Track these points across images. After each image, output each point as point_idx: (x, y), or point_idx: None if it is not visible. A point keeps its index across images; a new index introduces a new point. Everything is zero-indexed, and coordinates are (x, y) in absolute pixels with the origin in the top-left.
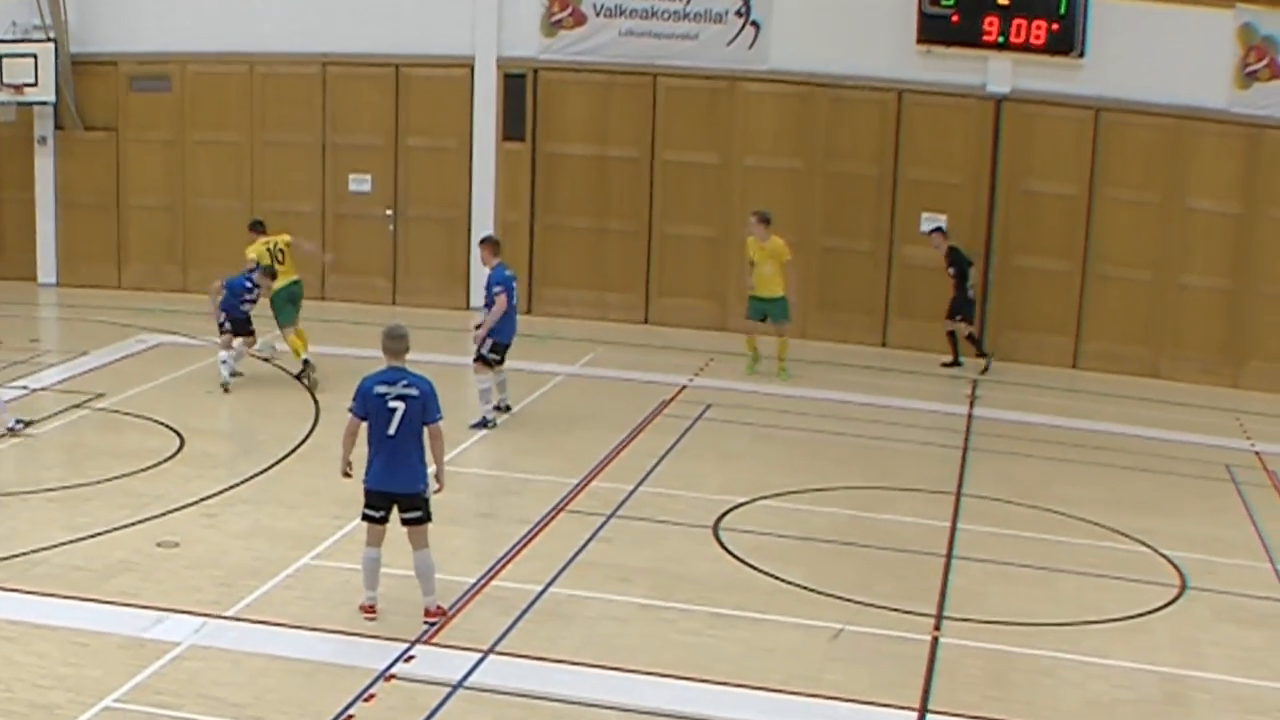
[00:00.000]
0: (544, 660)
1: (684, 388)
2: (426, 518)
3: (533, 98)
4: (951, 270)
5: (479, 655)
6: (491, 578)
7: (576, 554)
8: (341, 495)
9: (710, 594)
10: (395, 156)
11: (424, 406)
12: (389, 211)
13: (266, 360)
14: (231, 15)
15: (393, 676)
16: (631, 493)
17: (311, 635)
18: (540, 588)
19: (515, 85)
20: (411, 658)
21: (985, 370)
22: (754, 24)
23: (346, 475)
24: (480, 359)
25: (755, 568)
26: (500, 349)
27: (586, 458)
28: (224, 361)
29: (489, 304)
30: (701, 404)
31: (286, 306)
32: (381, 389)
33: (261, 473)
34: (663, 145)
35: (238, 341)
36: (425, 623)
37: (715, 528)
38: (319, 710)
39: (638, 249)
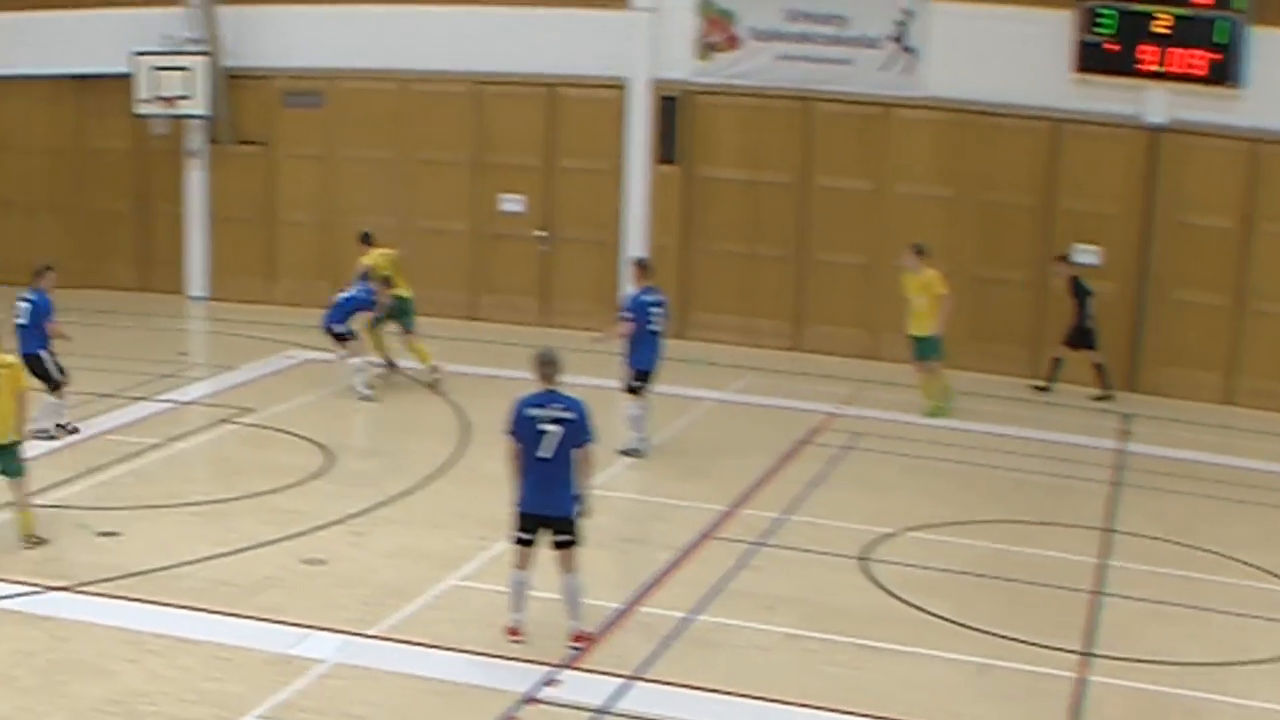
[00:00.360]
0: (689, 688)
1: (833, 416)
2: (576, 541)
3: (686, 121)
4: (1075, 299)
5: (623, 681)
6: (638, 603)
7: (723, 582)
8: (488, 517)
9: (856, 625)
10: (548, 177)
11: (577, 430)
12: (542, 233)
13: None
14: (384, 33)
15: (536, 700)
16: (779, 521)
17: (455, 656)
18: (686, 614)
19: (668, 108)
20: (556, 682)
21: (1102, 398)
22: (909, 50)
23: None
24: (628, 387)
25: (901, 599)
26: (642, 376)
27: (735, 485)
28: (358, 371)
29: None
30: (851, 433)
31: (405, 318)
32: (534, 412)
33: (409, 492)
34: (816, 170)
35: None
36: (571, 647)
37: (862, 558)
38: None
39: (788, 275)
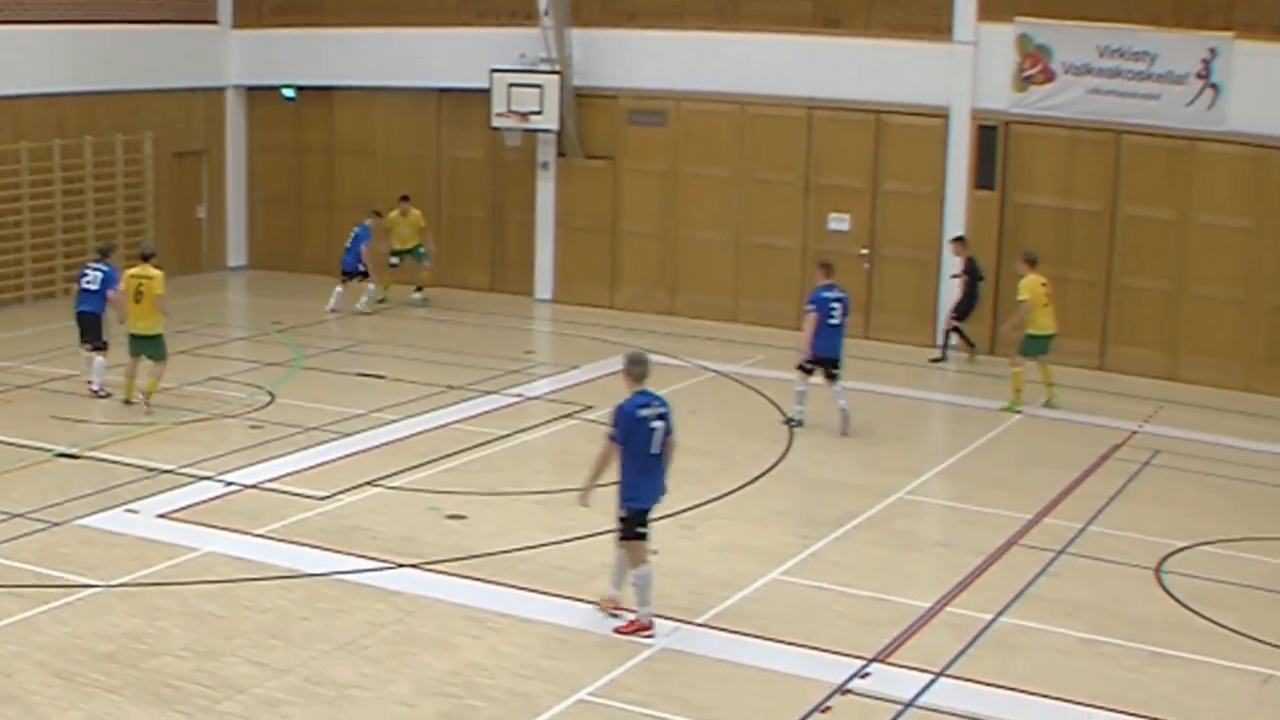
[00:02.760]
0: (992, 685)
1: (1134, 433)
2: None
3: (1004, 148)
4: (966, 277)
5: (931, 677)
6: (946, 604)
7: (1027, 586)
8: (809, 515)
9: (1148, 633)
10: (873, 199)
11: (670, 424)
12: (866, 251)
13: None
14: (724, 58)
15: (849, 691)
16: (1080, 531)
17: (775, 646)
18: (991, 616)
19: (987, 136)
20: (868, 675)
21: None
22: (1213, 86)
23: (585, 505)
24: (800, 366)
25: (1192, 610)
26: (815, 361)
27: (1039, 495)
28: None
29: None
30: (1150, 450)
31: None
32: (644, 412)
33: (737, 490)
34: (1124, 199)
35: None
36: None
37: (1157, 570)
38: (779, 717)
39: (1096, 297)
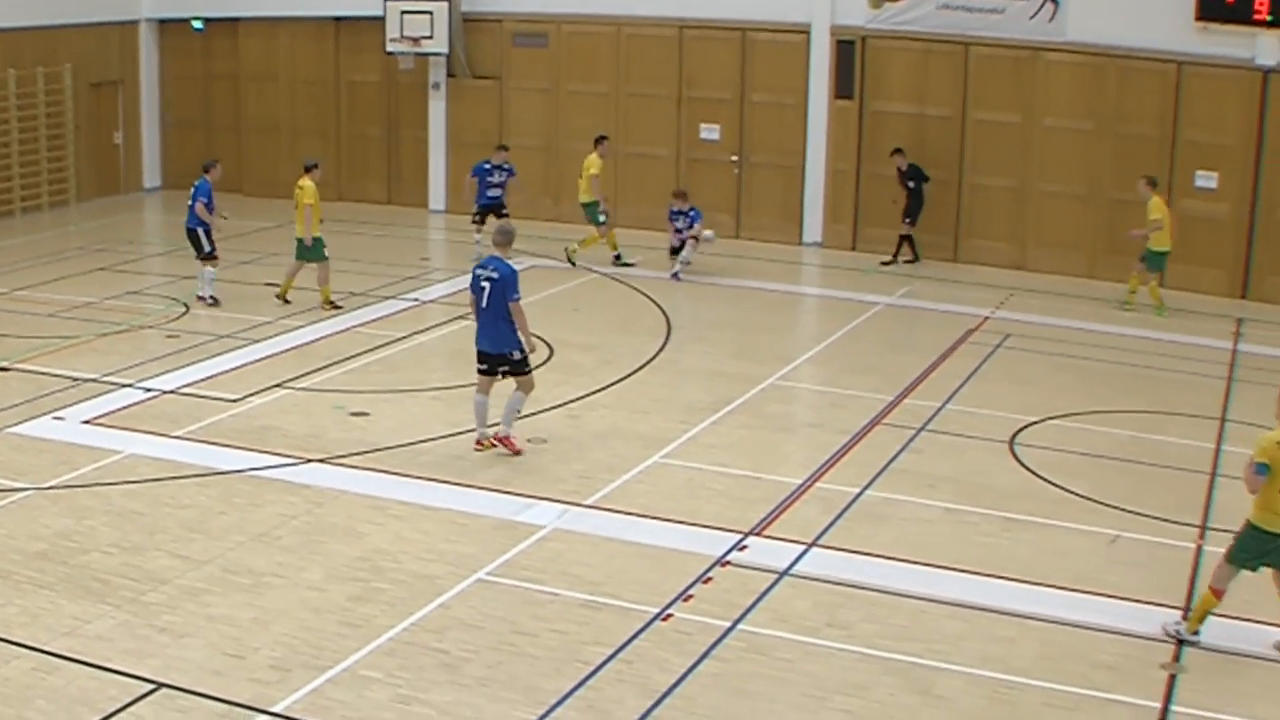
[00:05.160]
0: (860, 553)
1: (987, 319)
2: (515, 373)
3: (860, 61)
4: (911, 184)
5: (803, 547)
6: (816, 480)
7: (890, 462)
8: (687, 402)
9: (1005, 501)
10: (741, 109)
11: (504, 287)
12: (735, 158)
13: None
14: None
15: (728, 563)
16: (939, 410)
17: (658, 524)
18: (858, 490)
19: (845, 50)
20: (745, 547)
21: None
22: (1054, 1)
23: (531, 349)
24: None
25: (1044, 479)
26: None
27: (901, 377)
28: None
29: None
30: (1001, 334)
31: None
32: (479, 271)
33: (620, 380)
34: (972, 106)
35: None
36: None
37: (1011, 443)
38: (664, 589)
39: (949, 196)
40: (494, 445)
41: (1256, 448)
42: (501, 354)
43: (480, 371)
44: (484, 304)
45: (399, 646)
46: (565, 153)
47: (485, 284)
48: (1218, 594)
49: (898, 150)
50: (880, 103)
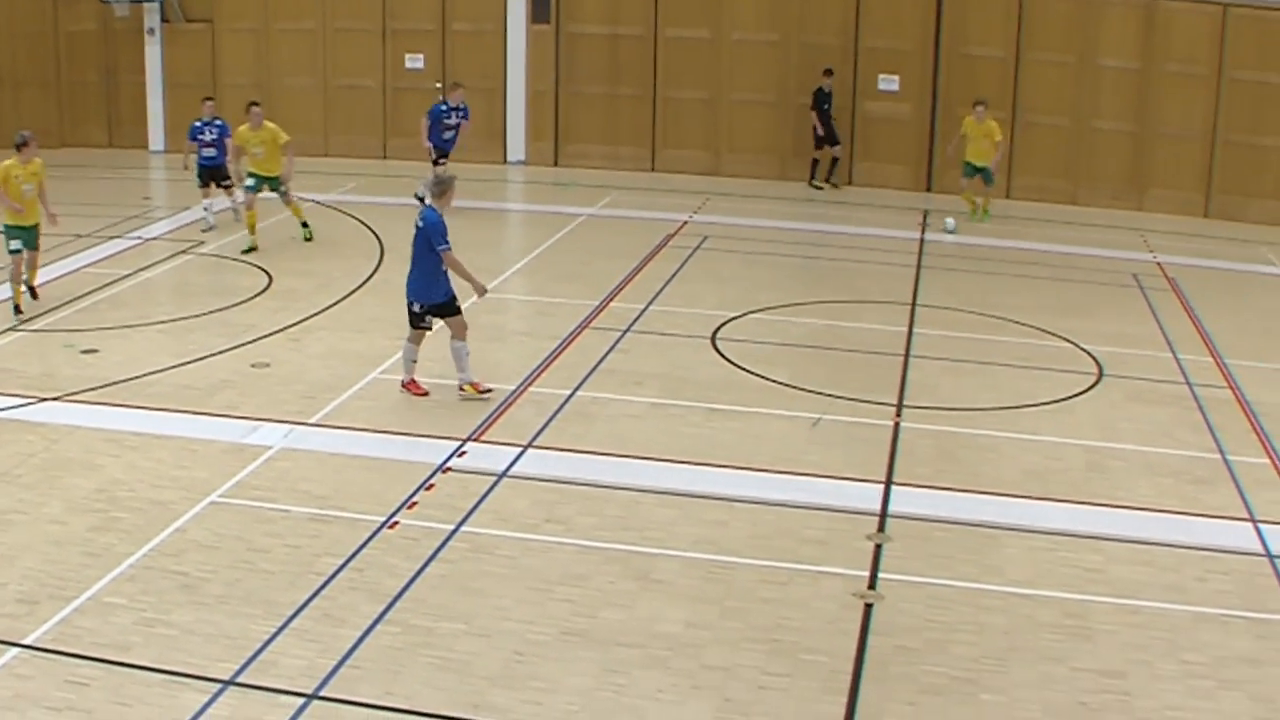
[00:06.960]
0: (573, 451)
1: (685, 223)
2: (441, 315)
3: None
4: (826, 105)
5: (519, 449)
6: (529, 385)
7: (598, 363)
8: (401, 320)
9: (709, 393)
10: (443, 38)
11: (426, 236)
12: (440, 84)
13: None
14: None
15: (449, 469)
16: (643, 311)
17: (380, 437)
18: (569, 392)
19: None
20: (464, 453)
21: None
22: None
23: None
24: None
25: (746, 370)
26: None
27: (605, 283)
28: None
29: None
30: (700, 236)
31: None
32: (416, 219)
33: (336, 303)
34: (664, 24)
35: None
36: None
37: (713, 338)
38: (389, 498)
39: (645, 110)
40: (413, 391)
41: None
42: (436, 303)
43: (412, 322)
44: (412, 250)
45: (140, 572)
46: (276, 89)
47: (415, 231)
48: None
49: (828, 70)
50: (576, 25)
